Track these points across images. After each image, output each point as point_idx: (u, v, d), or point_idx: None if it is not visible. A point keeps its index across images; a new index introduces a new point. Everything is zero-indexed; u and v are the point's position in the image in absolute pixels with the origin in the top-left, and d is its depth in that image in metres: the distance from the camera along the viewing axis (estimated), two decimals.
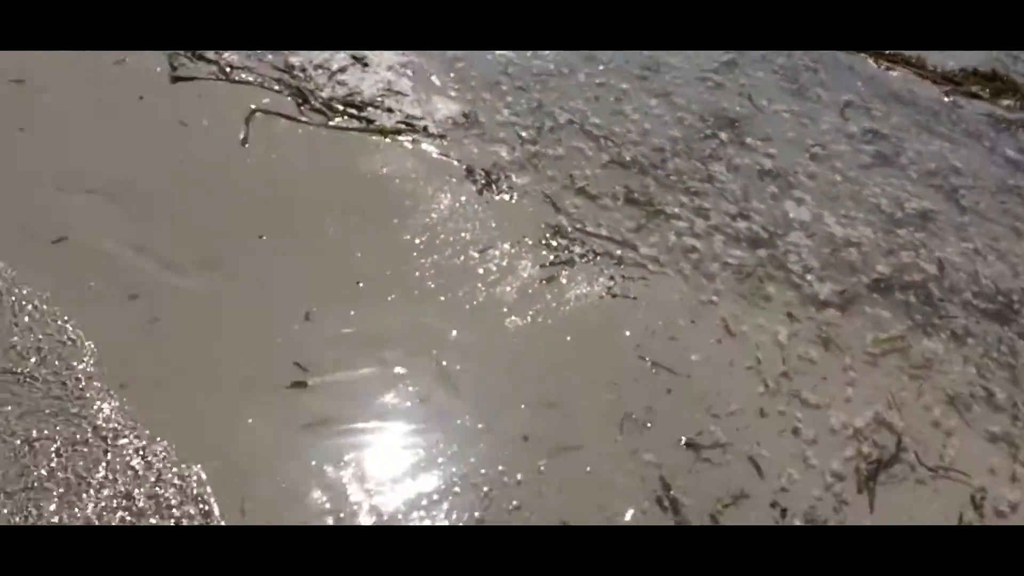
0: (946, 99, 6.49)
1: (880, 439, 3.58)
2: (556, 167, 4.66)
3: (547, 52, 5.68)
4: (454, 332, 3.69)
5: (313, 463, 3.11)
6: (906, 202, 5.05)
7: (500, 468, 3.22)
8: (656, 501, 3.22)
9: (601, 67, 5.65)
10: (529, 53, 5.62)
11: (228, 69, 4.79)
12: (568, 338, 3.78)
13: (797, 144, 5.36)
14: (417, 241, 4.06)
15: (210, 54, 4.85)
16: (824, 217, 4.80)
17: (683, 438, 3.44)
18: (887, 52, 6.83)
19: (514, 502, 3.13)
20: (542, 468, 3.24)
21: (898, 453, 3.54)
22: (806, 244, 4.50)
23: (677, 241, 4.34)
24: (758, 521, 3.21)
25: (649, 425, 3.46)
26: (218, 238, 3.82)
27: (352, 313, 3.66)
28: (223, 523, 2.88)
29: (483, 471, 3.20)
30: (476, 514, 3.07)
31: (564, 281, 4.04)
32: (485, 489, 3.14)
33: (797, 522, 3.22)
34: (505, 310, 3.85)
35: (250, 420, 3.20)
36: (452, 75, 5.28)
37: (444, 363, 3.55)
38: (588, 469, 3.28)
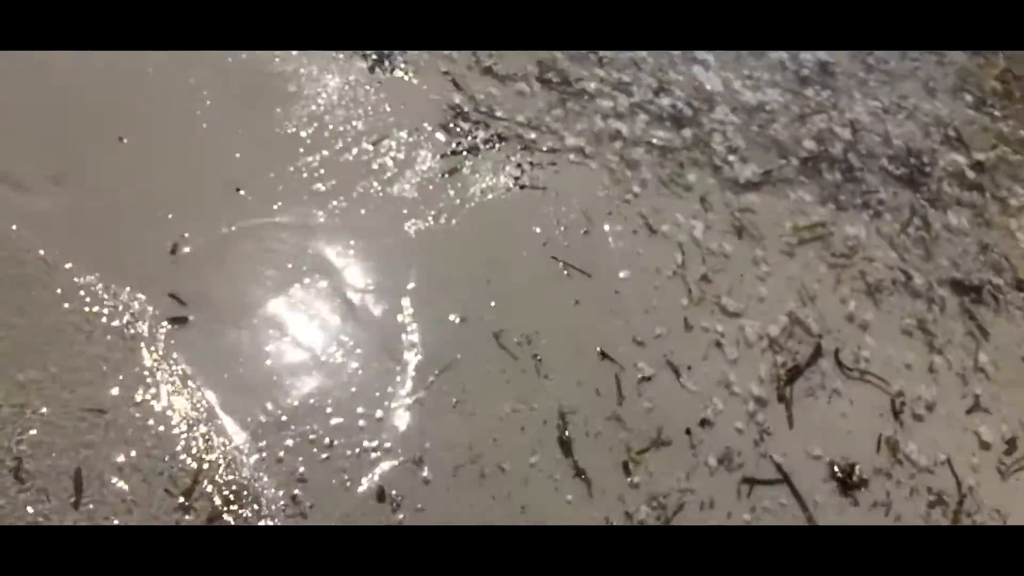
0: None
1: (796, 345, 3.35)
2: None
3: None
4: (351, 242, 3.26)
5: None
6: (807, 56, 4.69)
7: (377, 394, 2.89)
8: (558, 442, 2.93)
9: None
10: None
11: None
12: (475, 240, 3.38)
13: None
14: (303, 135, 3.54)
15: None
16: (732, 82, 4.40)
17: (598, 348, 3.15)
18: None
19: (374, 442, 2.81)
20: (418, 399, 2.91)
21: (815, 360, 3.31)
22: (732, 121, 4.10)
23: (604, 127, 3.88)
24: (678, 462, 2.96)
25: (560, 348, 3.14)
26: (70, 145, 3.23)
27: (233, 228, 3.17)
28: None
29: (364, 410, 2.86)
30: (323, 456, 2.75)
31: (467, 172, 3.60)
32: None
33: (712, 461, 2.99)
34: (405, 211, 3.41)
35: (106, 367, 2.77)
36: None
37: (339, 285, 3.14)
38: (479, 403, 2.96)
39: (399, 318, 3.09)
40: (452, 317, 3.12)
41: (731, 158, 3.92)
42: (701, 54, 4.49)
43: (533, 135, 3.78)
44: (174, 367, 2.80)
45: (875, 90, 4.70)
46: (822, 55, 4.75)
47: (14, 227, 3.00)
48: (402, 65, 3.93)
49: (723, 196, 3.74)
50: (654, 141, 3.90)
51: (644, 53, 4.35)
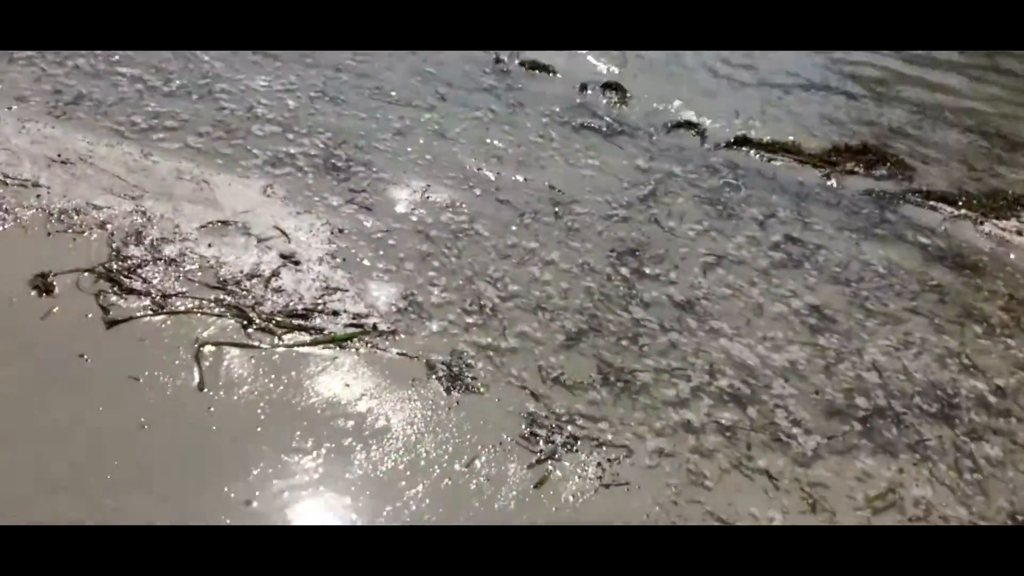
0: (828, 182, 6.69)
1: None
2: (519, 362, 4.51)
3: (460, 203, 5.59)
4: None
5: None
6: (805, 307, 5.16)
7: None
8: None
9: (512, 222, 5.57)
10: (439, 206, 5.50)
11: (161, 299, 4.43)
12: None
13: (690, 260, 5.46)
14: (402, 467, 3.83)
15: (138, 285, 4.47)
16: (756, 348, 4.82)
17: None
18: (766, 142, 7.01)
19: None
20: None
21: None
22: (791, 392, 4.48)
23: (676, 418, 4.24)
24: None
25: None
26: (205, 517, 3.49)
27: None
28: None
29: None
30: None
31: (553, 478, 3.89)
32: None
33: None
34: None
35: None
36: (379, 251, 5.08)
37: None
38: None
39: None
40: None
41: (795, 431, 4.25)
42: (716, 323, 4.93)
43: (609, 435, 4.11)
44: None
45: (879, 330, 5.13)
46: (809, 298, 5.23)
47: None
48: (471, 379, 4.31)
49: (793, 472, 4.04)
50: (722, 422, 4.24)
51: (676, 334, 4.79)
